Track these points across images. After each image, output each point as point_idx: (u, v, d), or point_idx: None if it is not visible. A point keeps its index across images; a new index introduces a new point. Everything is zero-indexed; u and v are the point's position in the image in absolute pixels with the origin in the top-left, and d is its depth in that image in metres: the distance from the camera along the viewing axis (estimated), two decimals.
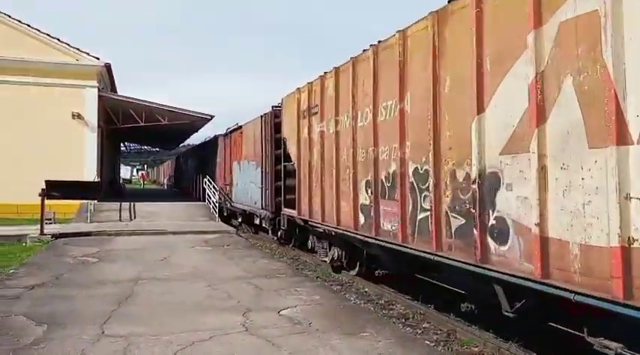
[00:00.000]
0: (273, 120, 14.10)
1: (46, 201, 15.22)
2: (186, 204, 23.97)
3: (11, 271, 9.94)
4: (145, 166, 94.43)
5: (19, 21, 21.70)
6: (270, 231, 14.91)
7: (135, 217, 19.65)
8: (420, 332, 6.79)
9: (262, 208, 14.83)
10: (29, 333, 6.02)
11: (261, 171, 14.91)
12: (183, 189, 37.49)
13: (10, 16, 21.53)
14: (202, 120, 26.04)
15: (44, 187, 14.89)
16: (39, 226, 15.04)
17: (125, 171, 79.17)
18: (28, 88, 21.28)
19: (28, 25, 21.72)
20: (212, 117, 25.01)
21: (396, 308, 8.06)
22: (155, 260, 11.29)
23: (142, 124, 24.42)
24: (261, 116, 15.03)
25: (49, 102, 21.28)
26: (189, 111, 24.20)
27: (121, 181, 46.99)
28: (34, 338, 5.81)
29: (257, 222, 16.22)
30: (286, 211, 12.46)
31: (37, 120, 20.97)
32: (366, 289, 9.25)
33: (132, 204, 21.46)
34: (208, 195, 22.17)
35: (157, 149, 56.46)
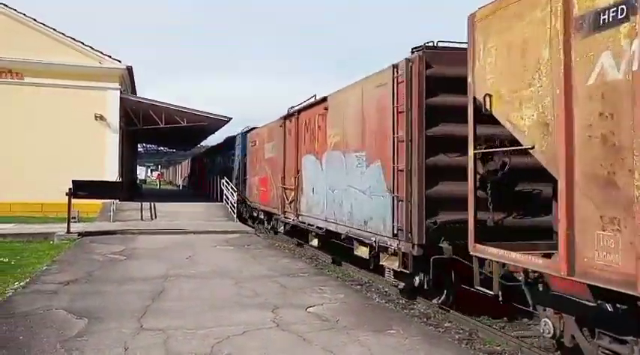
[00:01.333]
0: (424, 72, 7.75)
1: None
2: (205, 204, 24.37)
3: (44, 268, 10.31)
4: (159, 167, 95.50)
5: (44, 24, 22.21)
6: (391, 272, 8.54)
7: (156, 217, 20.05)
8: (442, 330, 7.03)
9: (393, 235, 8.13)
10: (71, 326, 6.34)
11: (384, 169, 8.57)
12: (200, 189, 37.90)
13: (35, 20, 22.07)
14: (220, 122, 26.45)
15: (71, 187, 15.31)
16: (64, 224, 15.48)
17: (140, 172, 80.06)
18: (52, 89, 21.77)
19: (54, 29, 22.24)
20: (230, 118, 25.42)
21: (417, 307, 8.30)
22: (180, 258, 11.62)
23: (162, 126, 24.86)
24: (394, 67, 8.25)
25: (72, 104, 21.77)
26: (208, 113, 24.61)
27: (139, 181, 47.62)
28: (77, 331, 6.14)
29: (361, 253, 9.55)
30: (497, 255, 5.27)
31: (61, 122, 21.50)
32: (386, 289, 9.49)
33: (152, 203, 21.87)
34: (226, 195, 22.54)
35: (173, 150, 57.06)
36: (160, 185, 64.43)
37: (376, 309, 7.61)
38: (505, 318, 7.36)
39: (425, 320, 7.50)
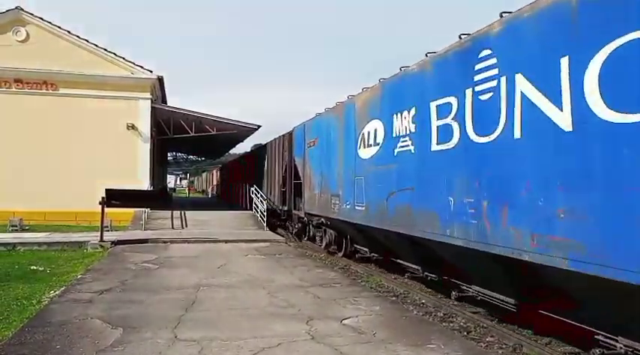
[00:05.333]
0: None
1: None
2: (234, 212, 24.42)
3: (79, 276, 10.39)
4: (188, 175, 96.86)
5: (78, 36, 22.70)
6: None
7: (186, 225, 20.16)
8: (484, 345, 6.79)
9: None
10: (107, 336, 6.31)
11: None
12: (230, 198, 38.04)
13: (69, 32, 22.56)
14: (249, 131, 26.58)
15: (104, 196, 15.47)
16: (97, 233, 15.69)
17: (169, 180, 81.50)
18: (86, 100, 22.23)
19: (87, 41, 22.70)
20: (259, 126, 25.52)
21: (456, 321, 8.05)
22: (212, 267, 11.59)
23: (192, 134, 25.08)
24: None
25: (105, 114, 22.21)
26: (237, 121, 24.76)
27: (168, 190, 48.21)
28: (112, 341, 6.10)
29: None
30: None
31: (94, 131, 21.96)
32: (423, 300, 9.28)
33: (182, 212, 22.02)
34: (255, 204, 22.54)
35: (202, 158, 57.71)
36: (189, 194, 65.49)
37: (414, 322, 7.39)
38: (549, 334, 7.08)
39: (465, 334, 7.27)
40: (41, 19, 22.39)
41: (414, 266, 10.02)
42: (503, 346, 6.69)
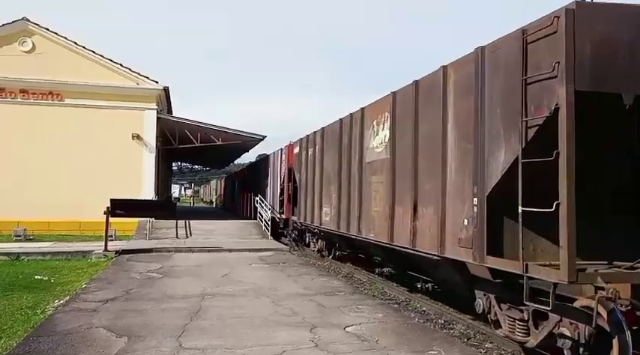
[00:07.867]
0: None
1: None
2: (238, 222, 24.48)
3: (84, 285, 10.45)
4: (192, 185, 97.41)
5: (85, 47, 22.89)
6: None
7: (191, 234, 20.22)
8: (484, 351, 6.81)
9: None
10: (112, 345, 6.37)
11: None
12: (235, 207, 38.12)
13: (76, 43, 22.74)
14: (254, 141, 26.67)
15: (109, 206, 15.56)
16: (102, 242, 15.76)
17: (174, 190, 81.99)
18: (91, 110, 22.37)
19: (93, 51, 22.88)
20: (264, 137, 25.60)
21: (457, 327, 8.07)
22: (217, 276, 11.65)
23: (197, 145, 25.20)
24: None
25: (110, 124, 22.30)
26: (242, 131, 24.87)
27: (173, 199, 48.45)
28: (117, 350, 6.15)
29: None
30: None
31: (99, 141, 22.06)
32: (424, 308, 9.30)
33: (187, 221, 22.07)
34: (260, 213, 22.61)
35: (207, 168, 57.95)
36: (193, 203, 65.73)
37: (416, 329, 7.43)
38: None
39: (466, 340, 7.29)
40: (47, 29, 22.59)
41: None
42: (503, 352, 6.73)
